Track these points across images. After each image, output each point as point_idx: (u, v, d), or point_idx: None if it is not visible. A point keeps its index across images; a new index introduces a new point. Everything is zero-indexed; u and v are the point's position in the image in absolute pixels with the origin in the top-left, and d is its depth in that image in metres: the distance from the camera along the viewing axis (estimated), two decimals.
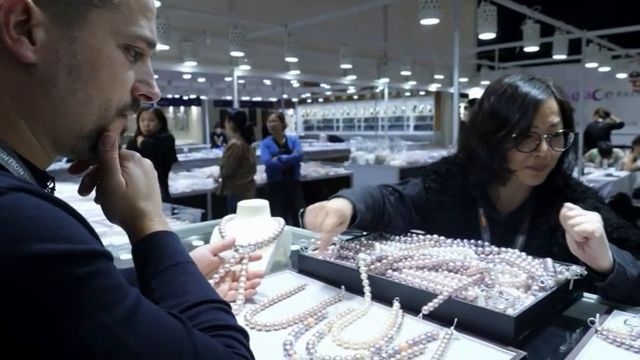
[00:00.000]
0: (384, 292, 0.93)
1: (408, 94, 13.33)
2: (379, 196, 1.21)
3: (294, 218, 3.70)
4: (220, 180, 4.42)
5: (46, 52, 0.51)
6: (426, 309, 0.83)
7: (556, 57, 5.42)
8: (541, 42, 4.88)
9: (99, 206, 0.66)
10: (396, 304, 0.88)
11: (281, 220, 1.22)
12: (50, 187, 0.61)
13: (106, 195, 0.64)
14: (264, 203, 1.27)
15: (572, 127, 1.17)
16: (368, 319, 0.88)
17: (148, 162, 0.69)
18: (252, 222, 1.22)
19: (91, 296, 0.41)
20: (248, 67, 6.13)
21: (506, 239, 1.21)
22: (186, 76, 8.97)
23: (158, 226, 0.64)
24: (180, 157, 7.04)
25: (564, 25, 5.31)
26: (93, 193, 0.67)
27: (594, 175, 5.60)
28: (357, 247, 1.13)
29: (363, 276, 0.96)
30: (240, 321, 0.87)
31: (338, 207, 1.06)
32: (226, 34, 4.76)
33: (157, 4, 3.48)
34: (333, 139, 13.06)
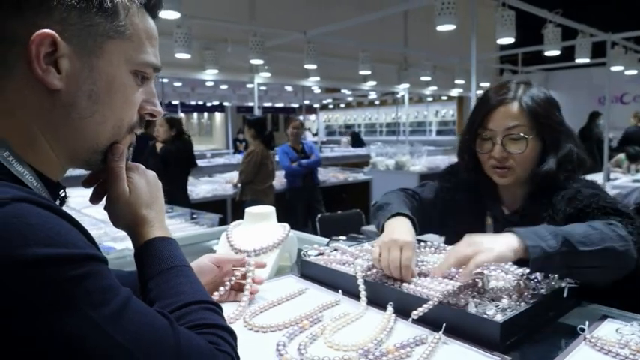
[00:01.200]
0: (380, 297, 0.96)
1: (430, 99, 13.26)
2: (410, 203, 1.31)
3: (313, 223, 3.73)
4: (239, 186, 4.51)
5: (69, 79, 0.58)
6: (415, 313, 0.85)
7: (579, 61, 5.31)
8: (563, 45, 4.80)
9: None
10: (390, 308, 0.91)
11: (286, 226, 1.26)
12: (62, 195, 0.68)
13: (112, 202, 0.70)
14: (270, 210, 1.32)
15: (543, 132, 1.17)
16: (361, 322, 0.91)
17: (151, 173, 0.76)
18: (259, 228, 1.27)
19: (83, 295, 0.46)
20: (268, 74, 6.25)
21: None
22: (209, 83, 9.15)
23: (158, 233, 0.70)
24: (203, 163, 7.19)
25: (587, 28, 5.20)
26: (103, 202, 0.74)
27: (621, 181, 5.43)
28: (357, 252, 1.16)
29: (360, 281, 0.99)
30: (240, 322, 0.91)
31: (409, 238, 1.03)
32: (246, 42, 4.86)
33: (178, 15, 3.60)
34: (356, 140, 12.83)
